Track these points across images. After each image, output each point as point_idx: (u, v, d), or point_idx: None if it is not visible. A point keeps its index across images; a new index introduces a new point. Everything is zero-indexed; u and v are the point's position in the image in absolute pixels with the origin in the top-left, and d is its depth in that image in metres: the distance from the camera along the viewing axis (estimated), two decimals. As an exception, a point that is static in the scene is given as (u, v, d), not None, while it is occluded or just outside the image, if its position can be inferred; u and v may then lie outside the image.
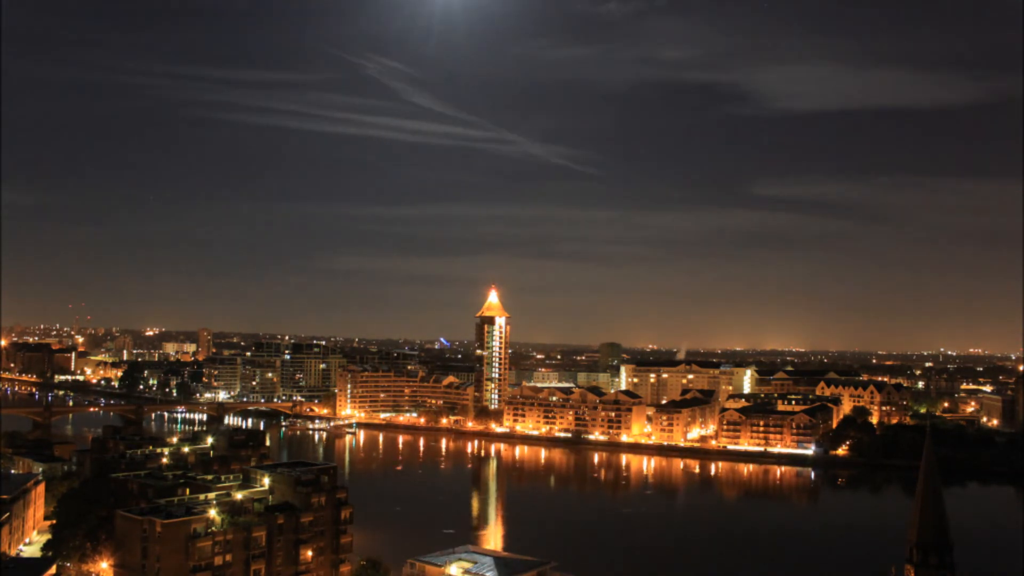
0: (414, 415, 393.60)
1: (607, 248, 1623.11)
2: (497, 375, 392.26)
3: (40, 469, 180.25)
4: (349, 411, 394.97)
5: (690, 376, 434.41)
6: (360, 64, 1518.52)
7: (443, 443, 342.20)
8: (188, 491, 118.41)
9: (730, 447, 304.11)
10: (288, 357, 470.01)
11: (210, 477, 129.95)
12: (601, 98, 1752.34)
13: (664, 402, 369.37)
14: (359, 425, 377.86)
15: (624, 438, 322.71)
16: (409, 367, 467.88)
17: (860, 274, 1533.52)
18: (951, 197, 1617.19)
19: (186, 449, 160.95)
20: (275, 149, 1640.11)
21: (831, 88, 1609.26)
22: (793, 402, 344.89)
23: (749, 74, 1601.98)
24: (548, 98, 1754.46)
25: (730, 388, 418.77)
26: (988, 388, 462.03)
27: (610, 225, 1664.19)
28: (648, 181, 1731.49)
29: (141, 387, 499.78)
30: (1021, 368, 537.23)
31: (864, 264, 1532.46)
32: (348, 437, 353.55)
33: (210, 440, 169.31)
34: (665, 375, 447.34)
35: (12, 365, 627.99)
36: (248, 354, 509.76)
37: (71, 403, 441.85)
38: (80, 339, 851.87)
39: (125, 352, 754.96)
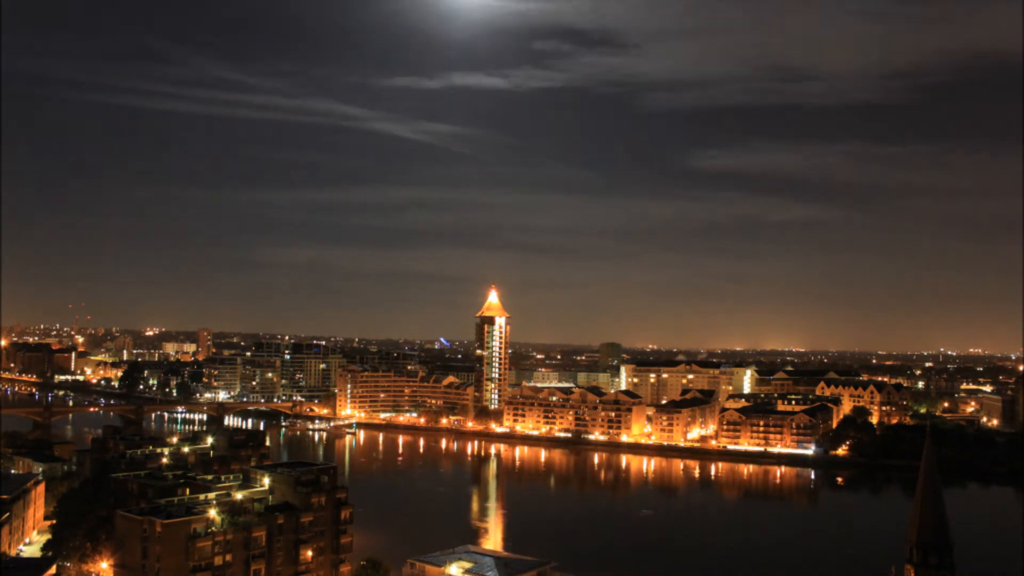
0: (414, 415, 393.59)
1: (558, 239, 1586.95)
2: (497, 375, 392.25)
3: (40, 469, 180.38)
4: (349, 411, 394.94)
5: (690, 376, 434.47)
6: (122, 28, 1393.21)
7: (443, 443, 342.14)
8: (188, 491, 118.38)
9: (730, 447, 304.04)
10: (288, 357, 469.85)
11: (210, 477, 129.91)
12: (430, 52, 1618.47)
13: (664, 402, 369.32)
14: (359, 425, 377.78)
15: (624, 438, 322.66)
16: (409, 367, 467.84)
17: (860, 274, 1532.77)
18: (930, 175, 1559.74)
19: (186, 449, 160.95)
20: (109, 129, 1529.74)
21: (730, 16, 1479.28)
22: (793, 402, 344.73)
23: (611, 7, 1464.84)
24: (365, 54, 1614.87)
25: (730, 388, 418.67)
26: (988, 388, 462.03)
27: (551, 213, 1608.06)
28: (553, 162, 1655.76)
29: (141, 387, 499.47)
30: (1021, 368, 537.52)
31: (864, 264, 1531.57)
32: (348, 437, 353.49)
33: (210, 440, 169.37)
34: (665, 375, 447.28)
35: (12, 365, 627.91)
36: (248, 354, 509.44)
37: (71, 403, 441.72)
38: (80, 339, 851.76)
39: (125, 352, 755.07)
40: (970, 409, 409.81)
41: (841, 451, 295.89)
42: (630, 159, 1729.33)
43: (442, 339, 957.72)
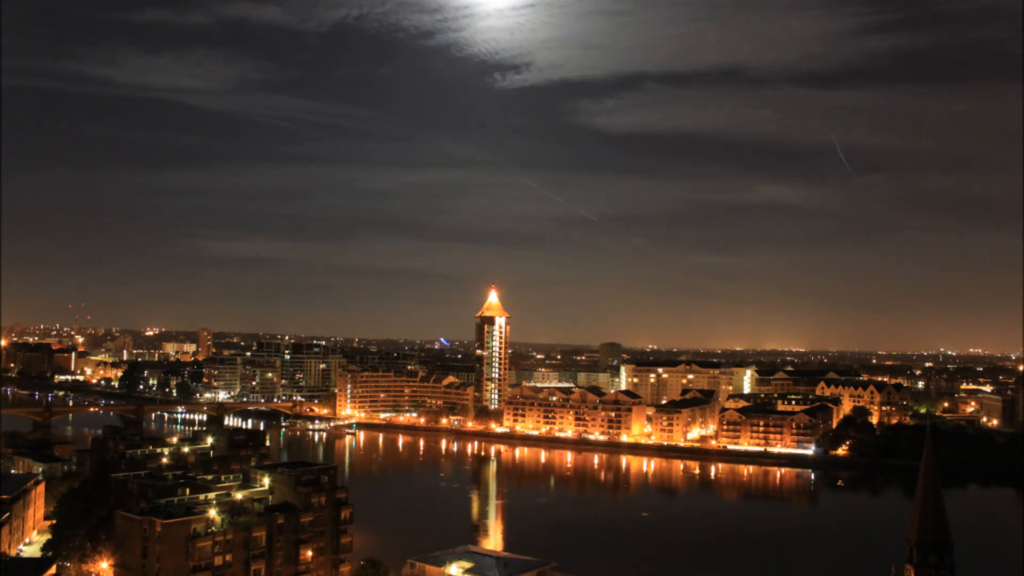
0: (414, 415, 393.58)
1: (510, 226, 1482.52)
2: (497, 375, 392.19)
3: (40, 469, 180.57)
4: (349, 411, 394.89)
5: (690, 376, 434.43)
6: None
7: (443, 444, 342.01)
8: (188, 491, 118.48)
9: (730, 447, 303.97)
10: (288, 357, 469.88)
11: (210, 477, 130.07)
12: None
13: (664, 402, 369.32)
14: (359, 425, 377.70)
15: (624, 438, 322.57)
16: (409, 367, 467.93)
17: (860, 274, 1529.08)
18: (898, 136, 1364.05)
19: (186, 449, 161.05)
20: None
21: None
22: (793, 402, 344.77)
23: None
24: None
25: (730, 388, 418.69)
26: (988, 388, 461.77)
27: (480, 195, 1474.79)
28: (437, 137, 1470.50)
29: (141, 387, 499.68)
30: (1021, 368, 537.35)
31: (864, 263, 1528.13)
32: (348, 438, 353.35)
33: (210, 440, 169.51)
34: (665, 375, 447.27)
35: (12, 365, 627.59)
36: (248, 354, 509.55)
37: (71, 403, 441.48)
38: (80, 339, 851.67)
39: (125, 352, 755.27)
40: (970, 409, 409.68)
41: (841, 451, 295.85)
42: (514, 124, 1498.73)
43: (442, 339, 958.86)
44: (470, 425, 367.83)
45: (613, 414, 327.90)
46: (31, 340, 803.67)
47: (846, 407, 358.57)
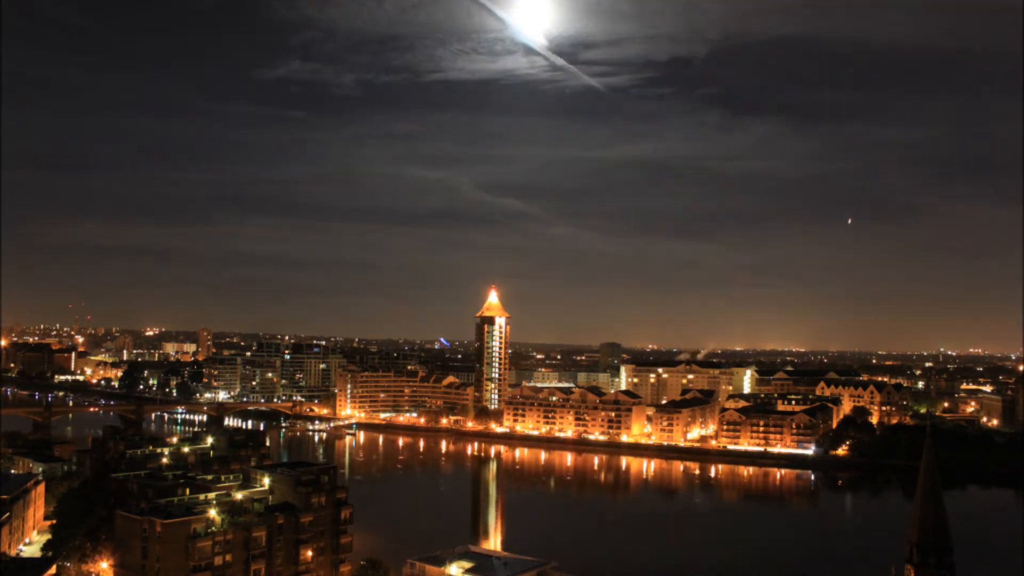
0: (414, 415, 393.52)
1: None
2: (497, 375, 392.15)
3: (40, 469, 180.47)
4: (349, 411, 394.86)
5: (690, 376, 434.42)
6: None
7: (443, 444, 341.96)
8: (188, 491, 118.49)
9: (730, 447, 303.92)
10: (288, 357, 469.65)
11: (210, 477, 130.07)
12: None
13: (664, 402, 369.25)
14: (359, 425, 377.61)
15: (624, 438, 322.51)
16: (409, 367, 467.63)
17: (860, 273, 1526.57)
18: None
19: (186, 449, 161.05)
20: None
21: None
22: (793, 402, 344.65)
23: None
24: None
25: (730, 388, 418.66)
26: (988, 388, 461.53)
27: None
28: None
29: (141, 387, 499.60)
30: (1021, 368, 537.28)
31: (864, 263, 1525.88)
32: (348, 438, 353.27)
33: (210, 440, 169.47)
34: (665, 375, 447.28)
35: (12, 365, 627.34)
36: (248, 354, 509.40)
37: (71, 403, 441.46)
38: (80, 339, 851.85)
39: (125, 352, 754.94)
40: (970, 409, 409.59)
41: (841, 451, 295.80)
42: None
43: (442, 339, 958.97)
44: (470, 425, 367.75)
45: (613, 414, 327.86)
46: (31, 340, 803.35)
47: (846, 407, 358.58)
